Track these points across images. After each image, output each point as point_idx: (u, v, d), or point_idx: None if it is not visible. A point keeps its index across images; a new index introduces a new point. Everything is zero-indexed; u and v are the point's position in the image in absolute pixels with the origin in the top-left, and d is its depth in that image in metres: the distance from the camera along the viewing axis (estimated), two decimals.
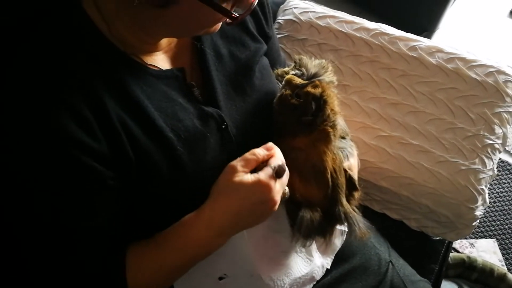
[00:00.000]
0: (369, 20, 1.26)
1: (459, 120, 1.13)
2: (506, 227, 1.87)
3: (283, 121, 0.84)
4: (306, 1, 1.30)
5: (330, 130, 0.82)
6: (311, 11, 1.25)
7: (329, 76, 0.91)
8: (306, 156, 0.82)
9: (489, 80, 1.14)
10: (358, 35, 1.21)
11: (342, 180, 0.84)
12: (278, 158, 0.74)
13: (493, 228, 1.87)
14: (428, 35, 2.27)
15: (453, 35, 2.49)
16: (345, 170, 0.86)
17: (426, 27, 2.25)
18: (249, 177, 0.70)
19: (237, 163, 0.72)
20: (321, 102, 0.81)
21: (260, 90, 0.84)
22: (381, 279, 0.97)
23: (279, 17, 1.27)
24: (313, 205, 0.82)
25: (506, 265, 1.76)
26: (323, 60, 0.92)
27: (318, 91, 0.82)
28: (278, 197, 0.72)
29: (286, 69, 0.93)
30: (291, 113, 0.82)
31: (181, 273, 0.74)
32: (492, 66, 1.15)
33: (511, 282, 1.52)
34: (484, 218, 1.89)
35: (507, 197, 1.95)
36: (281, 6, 1.31)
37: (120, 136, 0.66)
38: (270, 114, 0.84)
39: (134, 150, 0.67)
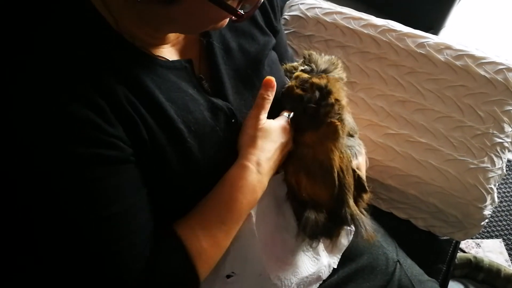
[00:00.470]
0: (376, 16, 1.25)
1: (468, 118, 1.12)
2: None
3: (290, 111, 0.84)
4: None
5: (338, 123, 0.81)
6: (317, 7, 1.23)
7: (338, 73, 0.90)
8: (314, 153, 0.81)
9: (499, 78, 1.12)
10: (365, 31, 1.19)
11: (349, 180, 0.83)
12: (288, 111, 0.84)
13: (499, 228, 1.85)
14: (435, 33, 2.25)
15: (460, 33, 2.47)
16: (353, 170, 0.85)
17: (432, 25, 2.23)
18: (275, 123, 0.81)
19: (257, 111, 0.79)
20: (324, 91, 0.82)
21: None
22: (389, 279, 0.95)
23: (286, 13, 1.26)
24: (319, 206, 0.81)
25: None
26: (333, 56, 0.92)
27: (323, 81, 0.82)
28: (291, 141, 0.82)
29: (295, 64, 0.92)
30: (297, 104, 0.83)
31: (234, 228, 0.75)
32: (501, 64, 1.14)
33: None
34: (491, 218, 1.87)
35: None
36: (288, 2, 1.29)
37: (134, 121, 0.65)
38: (279, 108, 0.83)
39: (149, 134, 0.66)
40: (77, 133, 0.60)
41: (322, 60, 0.90)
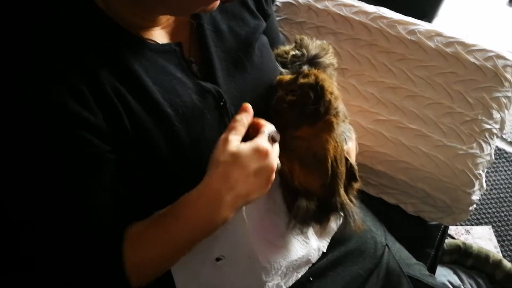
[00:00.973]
0: (368, 3, 1.25)
1: (458, 105, 1.12)
2: (502, 214, 1.87)
3: (286, 119, 0.82)
4: None
5: (333, 119, 0.81)
6: None
7: (329, 58, 0.90)
8: (308, 144, 0.81)
9: (488, 65, 1.13)
10: (357, 18, 1.19)
11: (342, 169, 0.83)
12: (269, 125, 0.75)
13: (489, 216, 1.87)
14: (428, 21, 2.24)
15: (452, 23, 2.47)
16: (346, 159, 0.85)
17: (425, 13, 2.23)
18: (246, 145, 0.71)
19: (227, 134, 0.72)
20: (318, 89, 0.80)
21: (259, 68, 0.83)
22: (377, 262, 0.96)
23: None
24: (311, 194, 0.82)
25: (502, 251, 1.77)
26: (324, 41, 0.91)
27: (311, 79, 0.81)
28: (275, 164, 0.73)
29: (287, 48, 0.92)
30: (292, 110, 0.81)
31: (185, 250, 0.72)
32: (491, 51, 1.14)
33: (506, 268, 1.52)
34: (480, 206, 1.89)
35: (503, 185, 1.96)
36: None
37: (116, 109, 0.65)
38: (269, 93, 0.83)
39: (131, 122, 0.66)
40: (54, 125, 0.61)
41: (313, 45, 0.90)
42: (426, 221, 1.21)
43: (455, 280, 1.53)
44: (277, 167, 0.75)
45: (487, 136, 1.11)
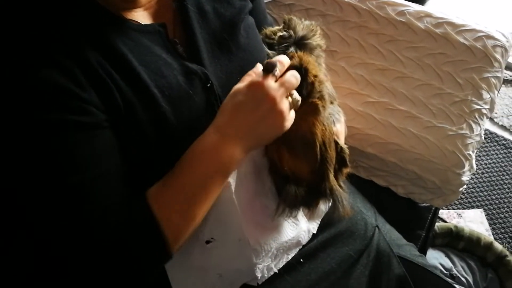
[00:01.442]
0: None
1: (447, 86, 1.12)
2: (494, 197, 1.88)
3: None
4: None
5: (318, 102, 0.80)
6: None
7: (317, 40, 0.89)
8: (296, 128, 0.79)
9: (478, 45, 1.12)
10: (346, 0, 1.18)
11: (331, 153, 0.82)
12: (271, 60, 0.72)
13: (480, 199, 1.88)
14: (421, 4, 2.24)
15: (444, 5, 2.47)
16: (336, 143, 0.84)
17: None
18: (241, 82, 0.71)
19: (239, 84, 0.71)
20: (302, 70, 0.78)
21: (245, 49, 0.82)
22: (368, 243, 0.96)
23: None
24: (300, 180, 0.81)
25: (493, 234, 1.78)
26: (313, 22, 0.90)
27: (295, 61, 0.79)
28: (276, 94, 0.69)
29: (275, 28, 0.91)
30: None
31: (205, 198, 0.70)
32: (481, 31, 1.14)
33: (497, 251, 1.53)
34: (472, 189, 1.90)
35: (495, 168, 1.96)
36: None
37: (107, 85, 0.64)
38: None
39: (122, 99, 0.66)
40: (47, 98, 0.60)
41: (301, 26, 0.89)
42: (416, 203, 1.21)
43: (447, 262, 1.54)
44: (296, 101, 0.73)
45: (477, 116, 1.11)
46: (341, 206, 0.81)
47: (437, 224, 1.56)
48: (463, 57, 1.12)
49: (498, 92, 1.16)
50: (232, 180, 0.76)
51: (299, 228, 0.88)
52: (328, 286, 0.90)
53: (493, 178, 1.93)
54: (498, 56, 1.12)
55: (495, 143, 2.03)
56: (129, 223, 0.65)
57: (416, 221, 1.21)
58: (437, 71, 1.13)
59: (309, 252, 0.92)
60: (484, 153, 2.01)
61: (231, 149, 0.70)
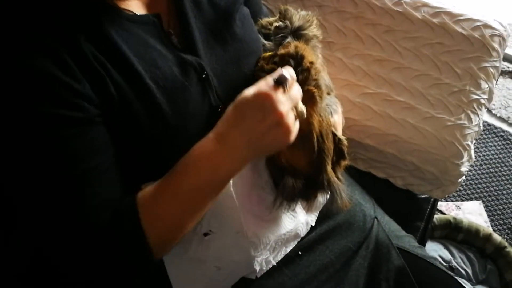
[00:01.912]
0: None
1: (445, 76, 1.11)
2: (492, 189, 1.88)
3: None
4: None
5: (315, 90, 0.79)
6: None
7: (313, 30, 0.88)
8: None
9: (476, 34, 1.11)
10: None
11: (329, 144, 0.82)
12: (281, 69, 0.69)
13: (479, 191, 1.88)
14: None
15: None
16: (334, 134, 0.84)
17: None
18: (249, 90, 0.66)
19: (246, 92, 0.67)
20: (298, 57, 0.78)
21: (241, 39, 0.81)
22: (366, 235, 0.96)
23: None
24: (298, 172, 0.80)
25: (492, 226, 1.77)
26: (309, 13, 0.90)
27: (291, 48, 0.79)
28: (283, 108, 0.65)
29: (271, 19, 0.90)
30: None
31: (196, 210, 0.69)
32: (478, 20, 1.13)
33: (496, 242, 1.53)
34: (470, 181, 1.90)
35: (493, 160, 1.96)
36: None
37: (101, 76, 0.63)
38: (252, 64, 0.81)
39: (116, 90, 0.65)
40: (39, 89, 0.59)
41: (297, 17, 0.88)
42: (415, 194, 1.21)
43: (446, 254, 1.54)
44: (302, 114, 0.71)
45: (475, 106, 1.10)
46: (339, 198, 0.80)
47: (435, 216, 1.56)
48: (460, 47, 1.12)
49: (496, 83, 1.15)
50: None
51: (297, 220, 0.88)
52: (327, 278, 0.90)
53: (492, 170, 1.93)
54: (496, 46, 1.12)
55: (493, 135, 2.03)
56: (113, 225, 0.65)
57: (415, 212, 1.21)
58: (435, 61, 1.12)
59: (307, 244, 0.91)
60: (482, 145, 2.00)
61: (231, 160, 0.67)
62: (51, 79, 0.60)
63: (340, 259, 0.92)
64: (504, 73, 2.25)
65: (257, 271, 0.83)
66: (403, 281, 0.94)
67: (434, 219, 1.54)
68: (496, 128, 2.05)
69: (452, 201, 1.84)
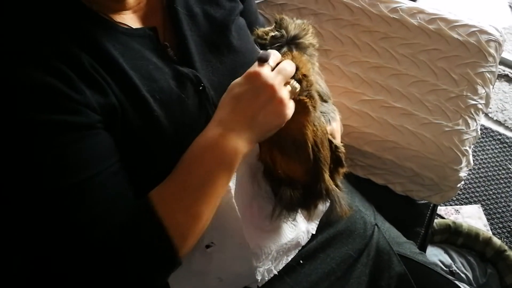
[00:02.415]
0: None
1: (442, 82, 1.12)
2: (491, 192, 1.88)
3: None
4: None
5: (307, 100, 0.79)
6: None
7: (308, 39, 0.88)
8: (286, 130, 0.78)
9: (472, 40, 1.12)
10: None
11: (325, 153, 0.81)
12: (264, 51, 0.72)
13: (477, 194, 1.88)
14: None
15: (436, 2, 2.48)
16: (330, 141, 0.84)
17: None
18: (238, 78, 0.70)
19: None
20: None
21: (237, 50, 0.82)
22: (367, 242, 0.96)
23: None
24: (295, 182, 0.80)
25: (491, 229, 1.78)
26: (305, 21, 0.90)
27: (287, 59, 0.78)
28: (273, 81, 0.68)
29: (267, 29, 0.90)
30: None
31: (210, 195, 0.68)
32: (474, 26, 1.14)
33: (496, 246, 1.53)
34: (469, 185, 1.90)
35: (491, 163, 1.97)
36: None
37: (101, 85, 0.63)
38: None
39: (117, 99, 0.65)
40: (40, 100, 0.59)
41: (292, 26, 0.88)
42: (415, 200, 1.21)
43: (446, 259, 1.54)
44: (296, 89, 0.73)
45: (472, 112, 1.10)
46: (338, 206, 0.80)
47: (435, 220, 1.56)
48: (457, 53, 1.12)
49: (493, 86, 1.16)
50: (232, 184, 0.75)
51: (298, 229, 0.88)
52: (329, 286, 0.90)
53: (490, 173, 1.94)
54: (492, 51, 1.12)
55: (490, 138, 2.04)
56: (131, 226, 0.63)
57: (415, 218, 1.21)
58: (431, 67, 1.12)
59: (308, 253, 0.91)
60: (479, 148, 2.01)
61: (234, 142, 0.68)
62: (50, 90, 0.59)
63: (342, 267, 0.92)
64: (500, 76, 2.26)
65: (259, 281, 0.82)
66: None
67: (434, 223, 1.54)
68: (493, 131, 2.06)
69: (451, 205, 1.84)
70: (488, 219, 1.81)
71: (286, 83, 0.72)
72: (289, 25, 0.88)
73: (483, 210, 1.83)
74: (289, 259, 0.88)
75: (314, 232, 0.91)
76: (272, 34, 0.87)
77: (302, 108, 0.78)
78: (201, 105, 0.75)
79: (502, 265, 1.52)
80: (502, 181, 1.91)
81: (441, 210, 1.80)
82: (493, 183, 1.91)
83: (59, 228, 0.61)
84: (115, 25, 0.69)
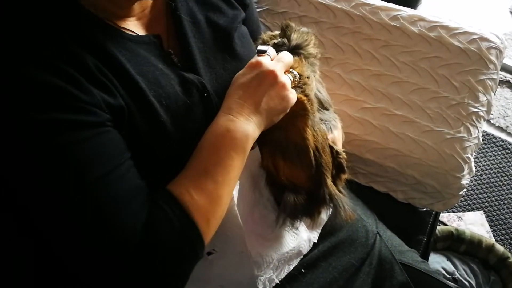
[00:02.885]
0: None
1: (443, 89, 1.12)
2: (493, 199, 1.87)
3: None
4: None
5: (304, 98, 0.80)
6: None
7: (310, 50, 0.89)
8: (286, 135, 0.79)
9: (472, 47, 1.12)
10: (338, 6, 1.18)
11: (327, 158, 0.82)
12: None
13: (480, 201, 1.87)
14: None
15: (436, 10, 2.48)
16: (331, 147, 0.84)
17: (409, 3, 2.23)
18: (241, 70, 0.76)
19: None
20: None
21: (240, 57, 0.82)
22: (369, 251, 0.95)
23: None
24: (298, 188, 0.80)
25: (494, 236, 1.77)
26: (310, 30, 0.91)
27: None
28: (275, 67, 0.74)
29: (274, 33, 0.91)
30: None
31: (228, 177, 0.69)
32: (475, 33, 1.14)
33: (499, 253, 1.52)
34: (471, 191, 1.89)
35: (493, 170, 1.96)
36: None
37: (109, 88, 0.63)
38: None
39: (125, 102, 0.65)
40: (49, 101, 0.59)
41: (295, 35, 0.89)
42: (417, 208, 1.20)
43: (449, 266, 1.53)
44: (295, 77, 0.79)
45: (474, 119, 1.10)
46: (342, 211, 0.80)
47: (437, 227, 1.55)
48: (458, 60, 1.12)
49: (494, 93, 1.16)
50: (234, 192, 0.75)
51: (300, 237, 0.88)
52: None
53: (492, 180, 1.93)
54: (493, 58, 1.12)
55: (493, 145, 2.03)
56: (157, 217, 0.63)
57: (417, 226, 1.20)
58: (432, 74, 1.12)
59: (310, 261, 0.91)
60: (482, 155, 2.00)
61: (244, 127, 0.71)
62: (57, 91, 0.59)
63: (344, 276, 0.92)
64: (501, 82, 2.26)
65: None
66: None
67: (436, 230, 1.53)
68: (495, 137, 2.05)
69: (453, 212, 1.83)
70: (491, 226, 1.80)
71: (286, 72, 0.77)
72: (292, 33, 0.88)
73: (485, 217, 1.82)
74: (291, 268, 0.88)
75: (315, 241, 0.91)
76: (275, 41, 0.88)
77: (300, 109, 0.79)
78: (206, 111, 0.76)
79: (505, 272, 1.51)
80: (504, 188, 1.91)
81: (443, 217, 1.79)
82: (495, 189, 1.90)
83: (85, 224, 0.60)
84: (121, 32, 0.69)
